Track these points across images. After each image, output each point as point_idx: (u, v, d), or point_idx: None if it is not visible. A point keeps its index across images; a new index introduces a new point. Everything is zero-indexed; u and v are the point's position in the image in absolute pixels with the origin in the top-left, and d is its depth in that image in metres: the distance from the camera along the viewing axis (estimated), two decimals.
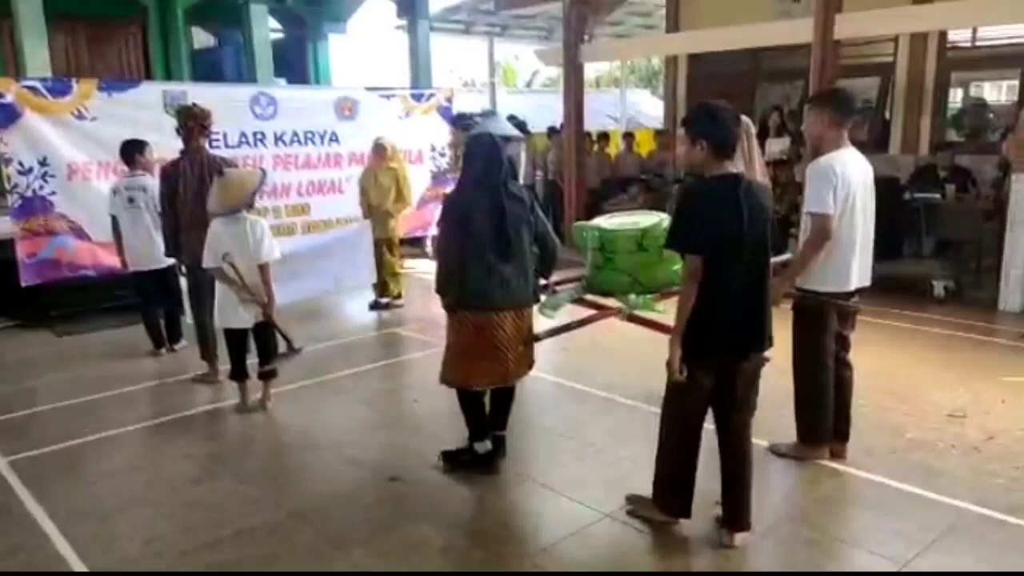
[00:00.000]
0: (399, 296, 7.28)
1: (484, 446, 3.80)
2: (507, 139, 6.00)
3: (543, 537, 3.29)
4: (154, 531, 3.37)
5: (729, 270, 2.90)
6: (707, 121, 2.97)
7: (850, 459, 3.83)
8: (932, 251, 7.59)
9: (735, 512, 3.14)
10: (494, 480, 3.76)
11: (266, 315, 4.59)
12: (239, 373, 4.76)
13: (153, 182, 5.52)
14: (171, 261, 5.40)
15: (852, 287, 3.70)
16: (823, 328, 3.71)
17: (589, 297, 4.29)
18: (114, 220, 5.74)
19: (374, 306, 7.20)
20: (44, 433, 4.48)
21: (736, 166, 3.03)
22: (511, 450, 3.93)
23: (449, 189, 6.62)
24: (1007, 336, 6.08)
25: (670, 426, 3.18)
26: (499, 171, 3.56)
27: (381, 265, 7.02)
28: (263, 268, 4.53)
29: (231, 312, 4.56)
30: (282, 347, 4.80)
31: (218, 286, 4.57)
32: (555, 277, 4.12)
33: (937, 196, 7.55)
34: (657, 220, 4.18)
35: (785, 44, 8.54)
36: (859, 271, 3.70)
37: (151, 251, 5.67)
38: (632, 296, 4.02)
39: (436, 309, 6.86)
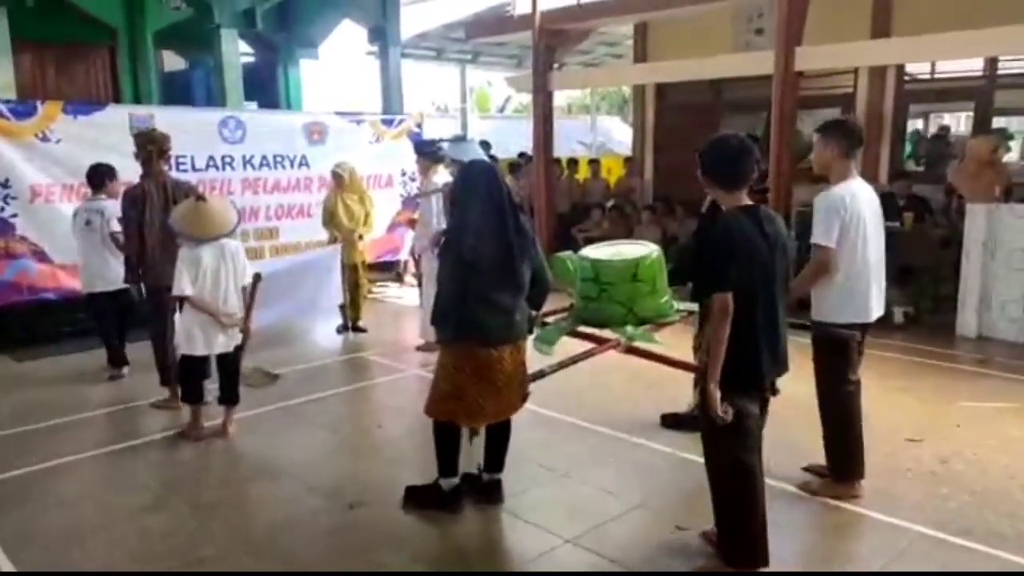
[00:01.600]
0: (356, 321, 7.23)
1: (450, 483, 3.67)
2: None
3: (504, 562, 3.29)
4: (107, 559, 3.31)
5: (761, 299, 2.89)
6: (715, 156, 2.97)
7: (804, 482, 3.86)
8: (891, 278, 7.72)
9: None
10: None
11: (244, 340, 4.56)
12: (197, 396, 4.69)
13: (112, 205, 5.50)
14: (123, 285, 5.36)
15: (873, 317, 3.68)
16: (848, 362, 3.65)
17: (583, 328, 4.30)
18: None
19: (342, 329, 7.17)
20: None
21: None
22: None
23: (417, 214, 6.72)
24: (965, 362, 6.22)
25: (728, 475, 2.99)
26: (505, 203, 3.43)
27: (356, 288, 7.02)
28: (245, 290, 4.54)
29: (201, 338, 4.51)
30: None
31: (186, 312, 4.51)
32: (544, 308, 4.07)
33: (896, 224, 7.73)
34: (648, 251, 4.22)
35: (747, 76, 8.72)
36: (877, 300, 3.69)
37: (105, 272, 5.68)
38: (629, 328, 4.05)
39: (404, 334, 6.95)
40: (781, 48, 7.58)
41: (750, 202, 3.00)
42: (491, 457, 3.75)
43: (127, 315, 5.86)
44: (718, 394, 2.82)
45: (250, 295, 4.64)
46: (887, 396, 5.21)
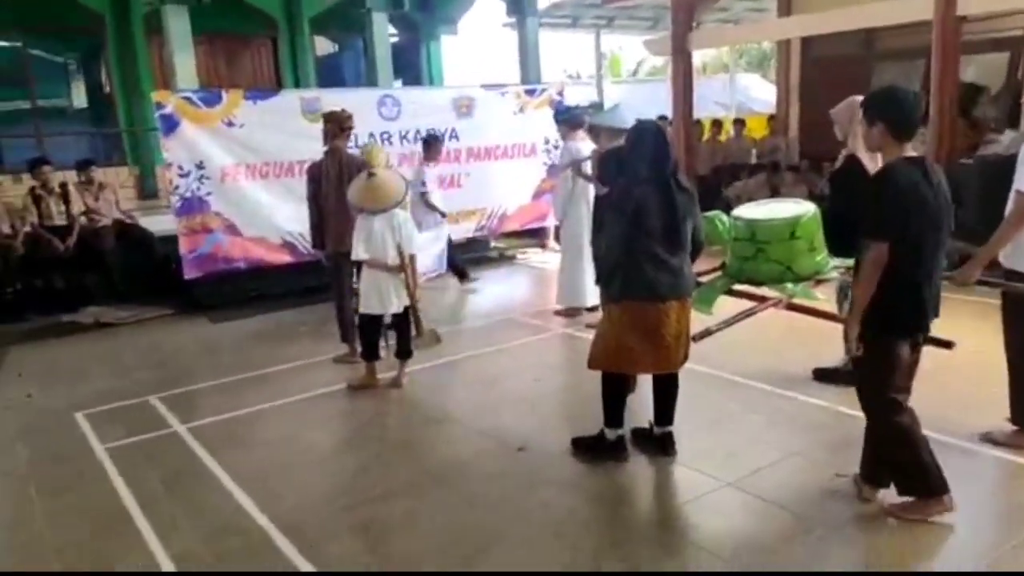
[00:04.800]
0: None
1: (615, 432, 3.87)
2: (622, 131, 6.22)
3: (666, 501, 3.52)
4: (315, 488, 3.83)
5: (928, 247, 2.98)
6: (890, 104, 3.02)
7: (987, 433, 3.85)
8: None
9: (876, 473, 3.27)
10: None
11: (412, 301, 5.01)
12: (374, 354, 5.19)
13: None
14: None
15: None
16: None
17: (741, 287, 4.43)
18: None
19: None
20: (211, 405, 5.08)
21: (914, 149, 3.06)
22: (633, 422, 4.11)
23: (556, 180, 6.94)
24: None
25: (884, 411, 3.13)
26: (668, 163, 3.58)
27: None
28: (411, 259, 4.97)
29: (376, 299, 4.99)
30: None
31: (365, 274, 5.01)
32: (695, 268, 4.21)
33: None
34: (804, 209, 4.27)
35: (903, 23, 8.30)
36: None
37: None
38: (789, 285, 4.15)
39: (549, 298, 7.24)
40: None
41: (914, 154, 3.04)
42: (661, 411, 3.92)
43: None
44: (857, 330, 2.99)
45: (411, 265, 5.01)
46: None
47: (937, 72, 7.38)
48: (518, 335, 6.51)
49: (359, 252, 4.92)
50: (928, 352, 3.49)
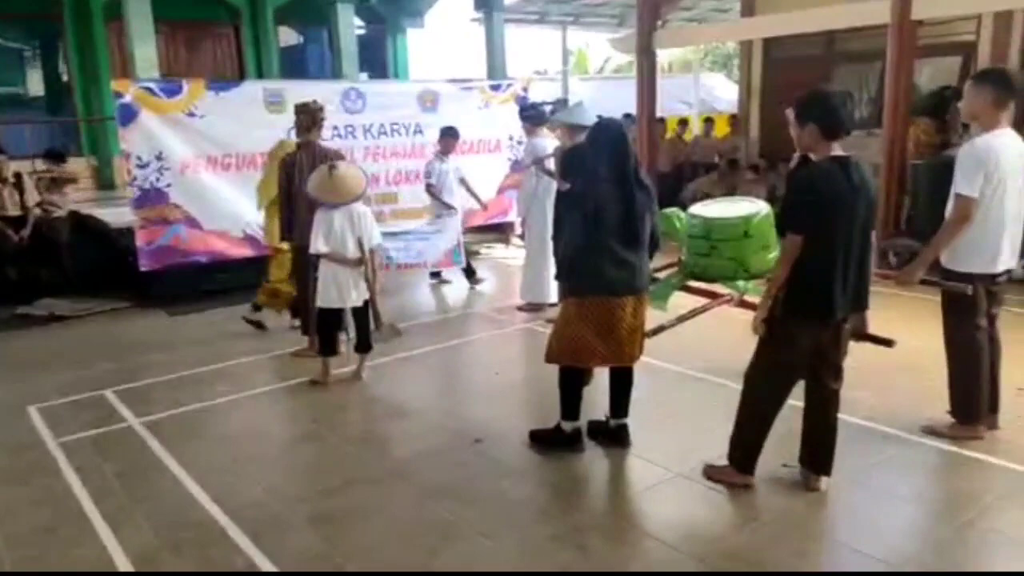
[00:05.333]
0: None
1: (571, 425, 3.93)
2: (585, 127, 6.26)
3: (620, 490, 3.59)
4: (272, 481, 3.82)
5: (840, 241, 3.13)
6: (820, 105, 3.17)
7: (928, 424, 3.99)
8: None
9: (820, 460, 3.44)
10: None
11: (371, 295, 5.02)
12: (332, 349, 5.18)
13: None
14: None
15: (1000, 268, 3.76)
16: (974, 308, 3.76)
17: (695, 284, 4.50)
18: None
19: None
20: (167, 399, 5.01)
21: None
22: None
23: (520, 175, 7.00)
24: None
25: (763, 380, 3.39)
26: (628, 161, 3.64)
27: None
28: (371, 252, 4.97)
29: (335, 292, 4.98)
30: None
31: (323, 268, 4.99)
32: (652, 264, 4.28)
33: None
34: (757, 208, 4.37)
35: (861, 26, 8.49)
36: (1008, 252, 3.75)
37: None
38: (741, 282, 4.25)
39: (511, 293, 7.28)
40: None
41: (843, 153, 3.18)
42: (616, 404, 4.00)
43: None
44: (764, 314, 3.26)
45: (371, 259, 5.01)
46: (1006, 349, 5.15)
47: (892, 74, 7.57)
48: (480, 330, 6.55)
49: (318, 246, 4.90)
50: (872, 349, 3.63)
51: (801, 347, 3.28)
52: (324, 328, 5.17)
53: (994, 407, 3.94)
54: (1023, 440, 3.86)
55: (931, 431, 3.95)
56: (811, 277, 3.15)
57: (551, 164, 6.33)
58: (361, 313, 5.13)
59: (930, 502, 3.48)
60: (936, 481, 3.70)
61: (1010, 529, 3.16)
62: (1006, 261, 3.76)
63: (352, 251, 4.92)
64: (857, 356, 3.58)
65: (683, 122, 12.14)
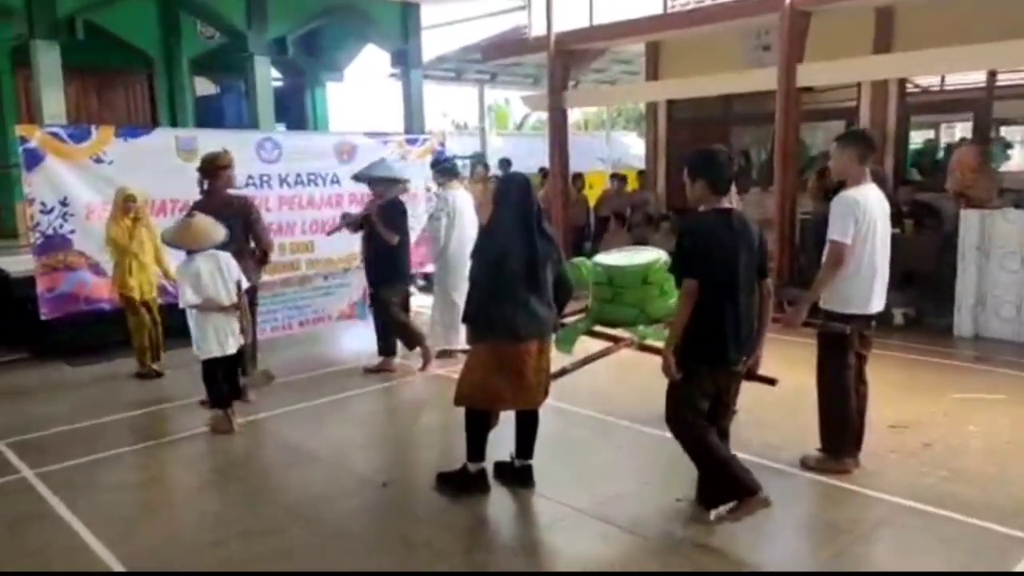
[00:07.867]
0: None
1: (477, 466, 4.00)
2: (396, 180, 6.48)
3: (524, 528, 3.69)
4: (171, 531, 3.77)
5: (726, 288, 3.39)
6: (707, 163, 3.46)
7: (803, 458, 4.25)
8: (892, 281, 8.06)
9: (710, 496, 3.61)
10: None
11: (245, 340, 5.04)
12: (224, 399, 5.09)
13: None
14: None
15: (873, 310, 4.10)
16: (847, 349, 4.06)
17: (599, 328, 4.70)
18: None
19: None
20: (63, 450, 4.84)
21: (729, 201, 3.53)
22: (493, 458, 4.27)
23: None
24: (959, 359, 6.54)
25: (682, 424, 3.51)
26: (532, 211, 3.81)
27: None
28: (242, 296, 5.01)
29: (214, 341, 4.95)
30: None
31: (198, 319, 4.95)
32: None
33: (896, 231, 8.06)
34: (656, 256, 4.64)
35: (754, 91, 9.13)
36: (879, 295, 4.11)
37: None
38: (641, 327, 4.48)
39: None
40: (783, 65, 8.01)
41: (728, 205, 3.48)
42: (522, 445, 4.09)
43: None
44: (673, 359, 3.41)
45: (243, 303, 5.07)
46: (882, 390, 5.53)
47: (780, 135, 8.15)
48: (389, 376, 6.57)
49: (188, 298, 4.88)
50: (756, 388, 3.89)
51: (704, 387, 3.48)
52: (211, 379, 5.09)
53: (858, 443, 4.22)
54: (894, 473, 4.17)
55: (805, 464, 4.22)
56: (703, 323, 3.38)
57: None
58: (233, 360, 5.13)
59: (806, 529, 3.72)
60: (810, 511, 3.96)
61: (880, 556, 3.41)
62: (877, 304, 4.12)
63: (226, 298, 4.95)
64: (746, 394, 3.83)
65: (619, 177, 12.34)
